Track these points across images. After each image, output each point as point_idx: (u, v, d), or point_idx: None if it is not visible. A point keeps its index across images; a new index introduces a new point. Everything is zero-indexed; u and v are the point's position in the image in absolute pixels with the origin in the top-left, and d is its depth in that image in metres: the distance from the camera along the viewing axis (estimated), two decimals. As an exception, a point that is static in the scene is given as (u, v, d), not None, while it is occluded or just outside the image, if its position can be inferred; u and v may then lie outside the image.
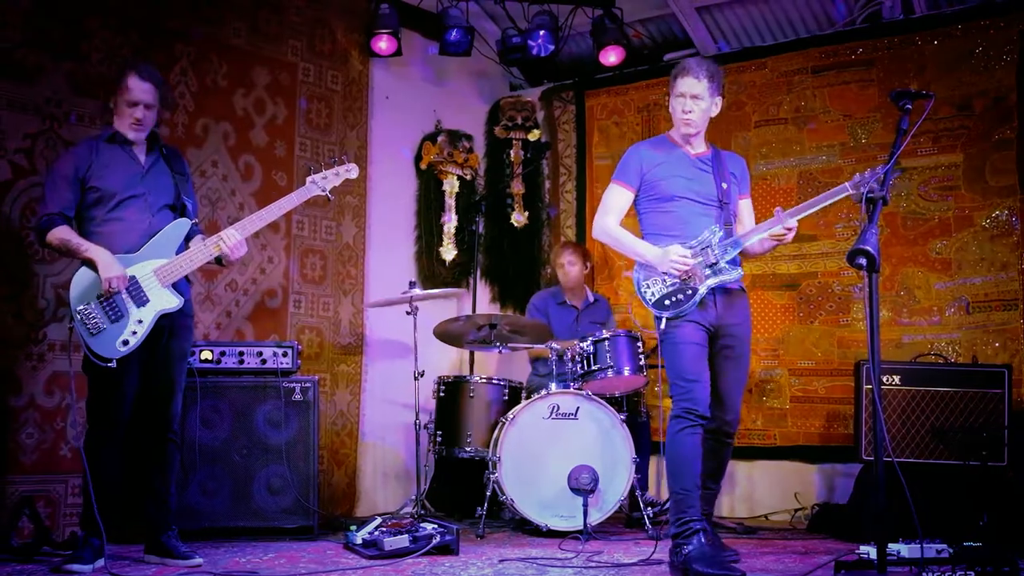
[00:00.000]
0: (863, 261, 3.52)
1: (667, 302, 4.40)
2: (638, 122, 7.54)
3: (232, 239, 4.38)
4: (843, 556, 4.04)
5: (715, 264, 4.38)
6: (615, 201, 4.62)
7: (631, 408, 6.16)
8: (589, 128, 7.80)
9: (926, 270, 6.31)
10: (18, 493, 4.90)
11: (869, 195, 3.71)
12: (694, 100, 4.44)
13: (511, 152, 7.86)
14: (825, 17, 6.91)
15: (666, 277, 4.40)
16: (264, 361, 5.35)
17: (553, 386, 5.64)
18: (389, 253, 7.12)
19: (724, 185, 4.52)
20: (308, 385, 5.38)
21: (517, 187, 7.82)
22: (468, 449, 5.92)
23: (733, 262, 4.43)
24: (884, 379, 5.54)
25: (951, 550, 3.94)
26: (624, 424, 5.50)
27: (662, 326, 4.43)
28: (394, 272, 6.99)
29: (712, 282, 4.37)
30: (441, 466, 6.45)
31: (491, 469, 5.52)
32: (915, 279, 6.34)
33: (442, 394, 6.13)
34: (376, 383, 6.89)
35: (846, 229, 6.58)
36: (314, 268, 6.57)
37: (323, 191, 4.63)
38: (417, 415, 5.96)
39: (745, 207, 4.71)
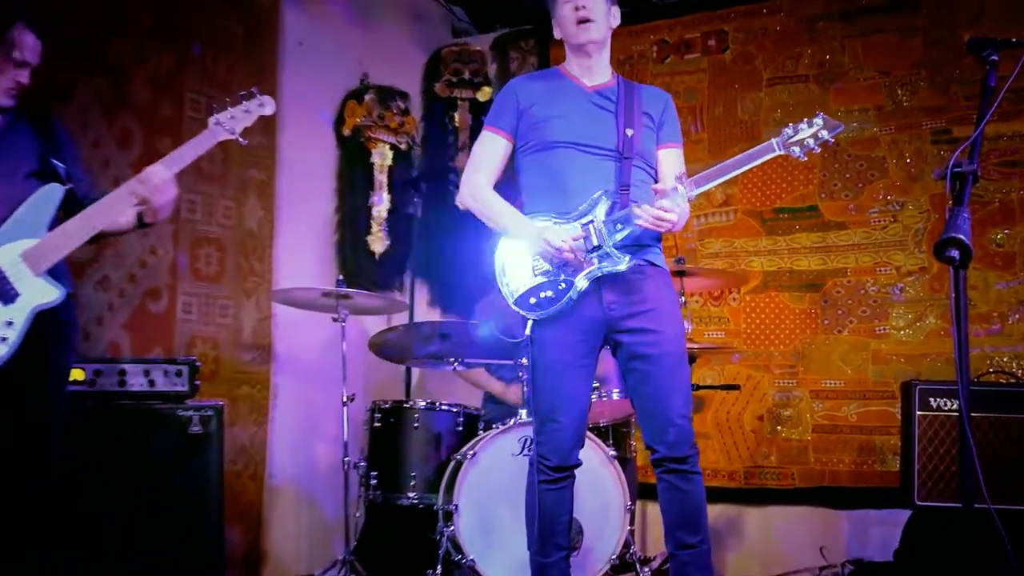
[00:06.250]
0: (955, 254, 3.37)
1: (532, 299, 4.09)
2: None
3: (157, 177, 4.11)
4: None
5: (599, 248, 4.02)
6: (485, 153, 4.33)
7: (619, 442, 5.97)
8: (555, 86, 7.61)
9: (984, 266, 6.24)
10: None
11: (956, 170, 3.57)
12: None
13: (455, 115, 7.67)
14: (858, -50, 6.83)
15: (537, 263, 4.10)
16: (152, 383, 5.06)
17: (523, 414, 5.43)
18: (303, 243, 6.91)
19: (629, 131, 4.12)
20: (210, 413, 5.13)
21: (463, 160, 7.62)
22: (411, 495, 5.70)
23: (625, 245, 4.04)
24: (941, 403, 5.45)
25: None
26: (616, 461, 5.34)
27: (526, 331, 4.12)
28: (309, 267, 6.78)
29: (592, 272, 4.03)
30: (374, 516, 6.20)
31: (444, 522, 5.31)
32: (970, 277, 6.19)
33: (376, 424, 5.87)
34: (288, 410, 6.66)
35: (883, 215, 6.50)
36: (209, 262, 6.30)
37: (232, 134, 4.30)
38: (346, 451, 5.76)
39: (668, 160, 4.28)
